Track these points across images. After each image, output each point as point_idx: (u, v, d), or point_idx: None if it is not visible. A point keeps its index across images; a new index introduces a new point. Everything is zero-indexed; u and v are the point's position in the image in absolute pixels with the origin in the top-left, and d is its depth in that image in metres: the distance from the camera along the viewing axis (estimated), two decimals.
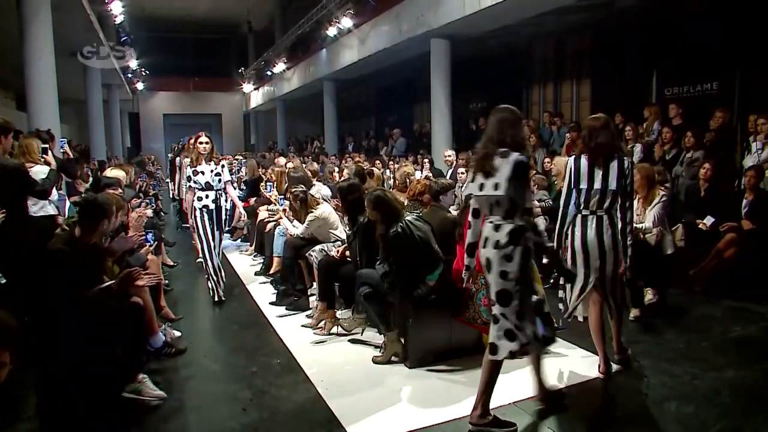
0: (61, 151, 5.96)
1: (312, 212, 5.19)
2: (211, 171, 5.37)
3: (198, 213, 5.35)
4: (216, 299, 5.43)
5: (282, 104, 22.78)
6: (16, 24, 8.10)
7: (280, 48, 19.32)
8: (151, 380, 3.39)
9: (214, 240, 5.40)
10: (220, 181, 5.41)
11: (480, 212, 3.01)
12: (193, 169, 5.35)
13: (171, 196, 8.63)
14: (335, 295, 4.59)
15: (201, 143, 5.89)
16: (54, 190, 4.77)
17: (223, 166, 5.47)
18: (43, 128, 7.21)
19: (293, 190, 5.53)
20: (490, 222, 2.90)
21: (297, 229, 5.34)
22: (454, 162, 8.47)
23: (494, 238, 2.86)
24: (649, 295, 4.81)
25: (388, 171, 9.47)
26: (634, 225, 4.78)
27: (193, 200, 5.35)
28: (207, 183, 5.33)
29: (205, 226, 5.33)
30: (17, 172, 4.02)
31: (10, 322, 1.96)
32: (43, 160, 4.63)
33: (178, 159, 9.51)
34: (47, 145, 4.83)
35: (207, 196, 5.33)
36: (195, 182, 5.32)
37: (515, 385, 3.47)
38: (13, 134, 4.53)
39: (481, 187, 2.88)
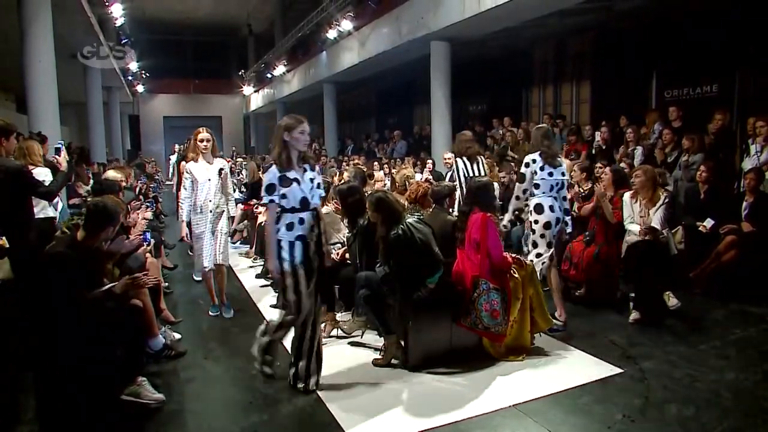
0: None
1: (327, 206, 5.19)
2: (311, 179, 3.48)
3: (287, 253, 3.35)
4: (304, 386, 3.49)
5: (282, 106, 22.80)
6: (16, 26, 8.12)
7: (280, 50, 19.37)
8: (151, 383, 3.38)
9: (317, 301, 3.52)
10: (320, 196, 3.58)
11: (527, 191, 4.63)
12: (282, 174, 3.35)
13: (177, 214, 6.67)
14: (335, 298, 4.59)
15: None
16: None
17: (322, 172, 3.64)
18: (44, 130, 7.23)
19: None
20: (552, 196, 4.53)
21: None
22: (454, 164, 8.45)
23: (559, 205, 4.56)
24: (672, 300, 4.52)
25: (381, 173, 9.46)
26: (648, 226, 4.76)
27: (278, 228, 3.37)
28: (303, 200, 3.41)
29: (299, 276, 3.37)
30: (19, 173, 4.02)
31: None
32: (56, 160, 4.62)
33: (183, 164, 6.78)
34: (60, 146, 4.79)
35: (301, 221, 3.37)
36: (283, 197, 3.35)
37: (515, 388, 3.47)
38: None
39: (551, 174, 4.53)
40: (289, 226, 3.37)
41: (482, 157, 5.87)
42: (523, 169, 4.65)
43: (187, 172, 4.89)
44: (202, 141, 4.87)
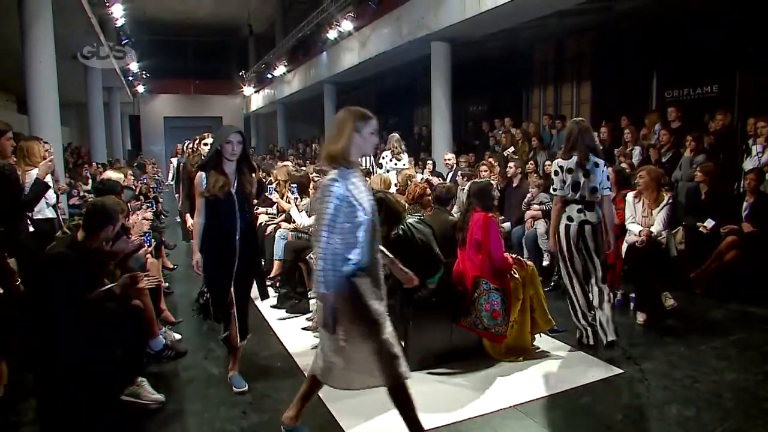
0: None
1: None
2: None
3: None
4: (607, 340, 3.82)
5: (282, 107, 22.82)
6: (17, 27, 8.12)
7: (281, 51, 19.37)
8: (151, 384, 3.38)
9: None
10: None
11: None
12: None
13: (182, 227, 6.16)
14: None
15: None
16: (51, 192, 4.70)
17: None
18: (44, 131, 7.22)
19: (317, 179, 5.53)
20: None
21: (306, 219, 5.38)
22: (454, 165, 8.47)
23: None
24: (669, 300, 4.70)
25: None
26: (649, 229, 4.74)
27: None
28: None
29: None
30: (2, 175, 3.86)
31: None
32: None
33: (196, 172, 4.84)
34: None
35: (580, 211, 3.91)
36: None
37: (515, 388, 3.47)
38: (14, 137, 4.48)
39: (396, 164, 6.46)
40: (571, 218, 3.97)
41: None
42: (381, 160, 7.79)
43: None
44: None
